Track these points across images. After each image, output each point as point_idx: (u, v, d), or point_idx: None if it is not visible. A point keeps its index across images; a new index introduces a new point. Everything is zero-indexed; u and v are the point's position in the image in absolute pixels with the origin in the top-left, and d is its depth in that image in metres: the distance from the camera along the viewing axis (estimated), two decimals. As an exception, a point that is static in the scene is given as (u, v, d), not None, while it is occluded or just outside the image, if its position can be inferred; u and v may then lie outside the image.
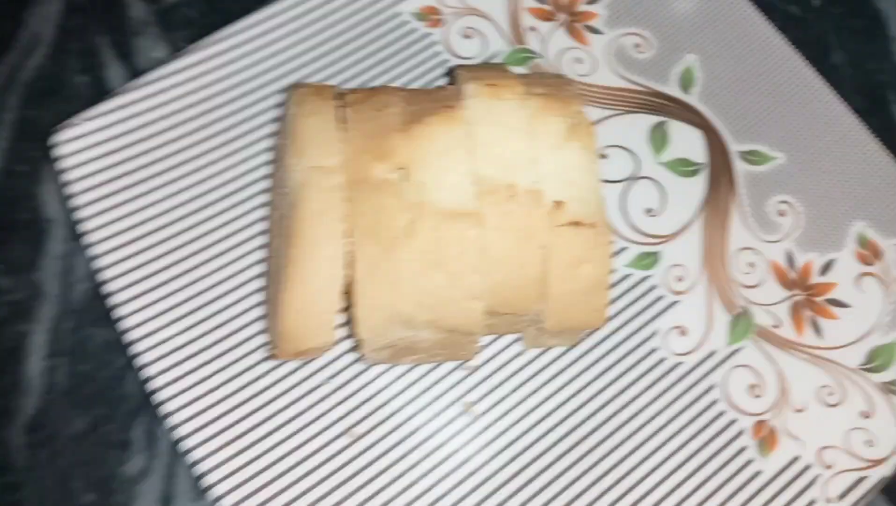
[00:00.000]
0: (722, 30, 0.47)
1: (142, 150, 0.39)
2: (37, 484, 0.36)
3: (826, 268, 0.43)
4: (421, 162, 0.32)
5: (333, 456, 0.35)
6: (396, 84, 0.43)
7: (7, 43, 0.45)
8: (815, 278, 0.42)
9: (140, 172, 0.39)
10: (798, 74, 0.46)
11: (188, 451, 0.34)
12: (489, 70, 0.36)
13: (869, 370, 0.41)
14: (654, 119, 0.45)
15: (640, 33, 0.47)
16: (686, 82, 0.46)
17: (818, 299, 0.42)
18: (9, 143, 0.43)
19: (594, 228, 0.32)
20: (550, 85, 0.35)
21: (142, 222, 0.38)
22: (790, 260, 0.42)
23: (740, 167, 0.44)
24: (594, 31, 0.46)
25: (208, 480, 0.33)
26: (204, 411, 0.34)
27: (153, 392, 0.35)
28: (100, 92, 0.44)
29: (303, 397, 0.36)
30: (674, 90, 0.46)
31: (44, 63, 0.45)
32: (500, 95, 0.33)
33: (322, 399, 0.36)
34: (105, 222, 0.37)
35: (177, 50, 0.46)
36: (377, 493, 0.35)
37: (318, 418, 0.36)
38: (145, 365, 0.35)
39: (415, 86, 0.44)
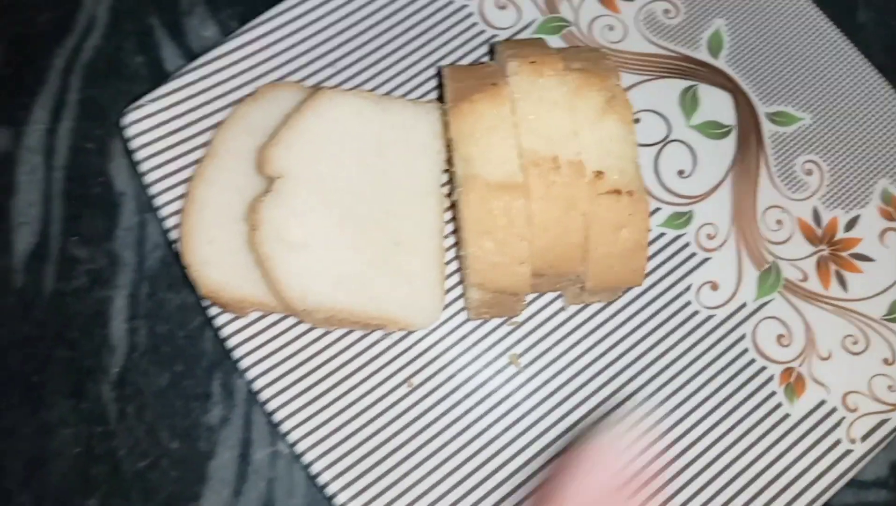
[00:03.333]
0: (749, -8, 0.48)
1: (204, 126, 0.41)
2: (128, 434, 0.40)
3: (851, 224, 0.45)
4: (469, 137, 0.34)
5: (395, 403, 0.38)
6: (434, 56, 0.45)
7: (66, 26, 0.47)
8: (841, 234, 0.44)
9: (203, 146, 0.41)
10: (823, 35, 0.48)
11: (265, 401, 0.37)
12: (529, 46, 0.38)
13: (892, 320, 0.43)
14: (685, 83, 0.47)
15: (670, -1, 0.48)
16: (714, 46, 0.48)
17: (843, 254, 0.44)
18: (75, 122, 0.45)
19: (632, 196, 0.34)
20: (588, 59, 0.37)
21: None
22: (816, 217, 0.45)
23: (768, 128, 0.46)
24: (625, -2, 0.48)
25: (284, 426, 0.37)
26: (278, 364, 0.38)
27: (230, 349, 0.38)
28: (157, 71, 0.46)
29: (366, 349, 0.39)
30: (703, 55, 0.47)
31: (101, 44, 0.47)
32: (542, 72, 0.35)
33: (383, 352, 0.39)
34: (176, 196, 0.40)
35: (225, 28, 0.48)
36: (435, 436, 0.38)
37: (380, 369, 0.39)
38: (222, 325, 0.38)
39: (452, 58, 0.45)
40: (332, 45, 0.45)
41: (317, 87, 0.42)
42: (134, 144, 0.40)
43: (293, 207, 0.37)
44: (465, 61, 0.45)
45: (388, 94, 0.44)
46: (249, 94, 0.41)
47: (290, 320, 0.39)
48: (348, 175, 0.38)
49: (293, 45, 0.44)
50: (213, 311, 0.38)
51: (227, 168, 0.39)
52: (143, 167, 0.40)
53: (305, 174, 0.37)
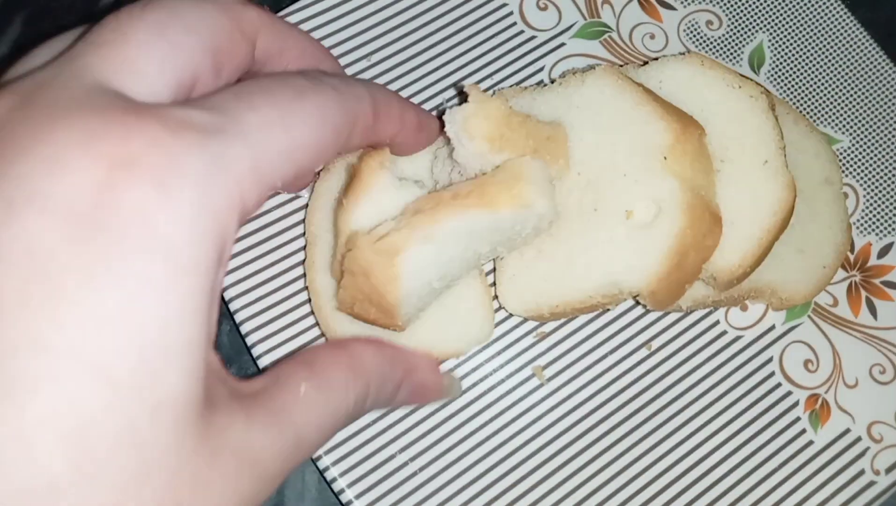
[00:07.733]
0: (792, 8, 0.47)
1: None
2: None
3: (884, 251, 0.44)
4: None
5: (415, 410, 0.37)
6: (471, 55, 0.44)
7: None
8: (873, 261, 0.44)
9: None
10: (866, 56, 0.47)
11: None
12: None
13: (920, 351, 0.42)
14: (724, 98, 0.45)
15: (712, 10, 0.47)
16: (756, 62, 0.47)
17: (875, 281, 0.43)
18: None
19: None
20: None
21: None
22: (850, 243, 0.44)
23: (806, 149, 0.45)
24: (667, 6, 0.47)
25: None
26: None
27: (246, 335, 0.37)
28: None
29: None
30: (744, 69, 0.46)
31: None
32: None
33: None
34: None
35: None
36: (455, 445, 0.37)
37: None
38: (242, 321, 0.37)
39: (489, 58, 0.44)
40: (366, 38, 0.43)
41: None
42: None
43: None
44: (502, 62, 0.44)
45: (419, 92, 0.43)
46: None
47: (309, 321, 0.38)
48: None
49: (329, 35, 0.43)
50: (235, 305, 0.37)
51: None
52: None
53: None
